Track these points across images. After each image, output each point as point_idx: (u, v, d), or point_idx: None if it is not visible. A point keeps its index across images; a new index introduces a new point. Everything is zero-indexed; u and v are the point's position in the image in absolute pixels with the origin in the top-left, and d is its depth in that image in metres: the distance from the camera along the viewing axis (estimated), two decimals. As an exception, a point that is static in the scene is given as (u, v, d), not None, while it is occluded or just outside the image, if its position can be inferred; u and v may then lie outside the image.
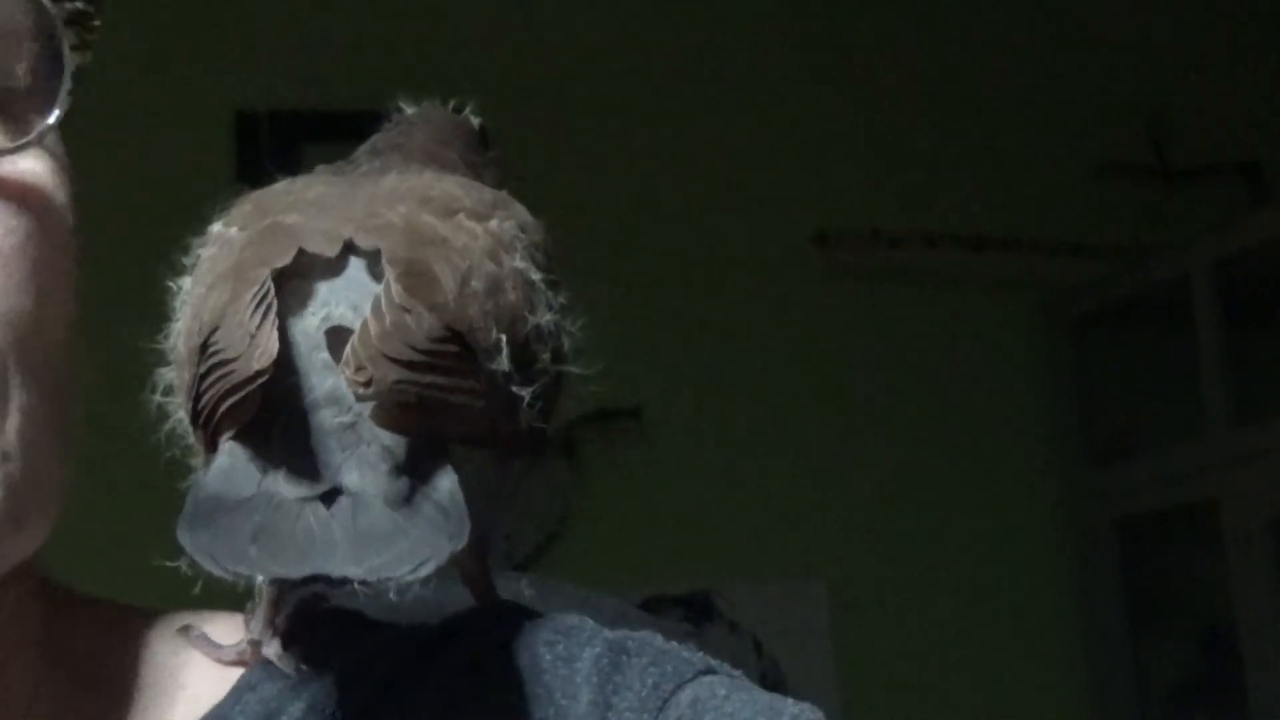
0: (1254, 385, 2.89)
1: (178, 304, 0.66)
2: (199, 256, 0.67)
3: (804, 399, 3.00)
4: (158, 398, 0.66)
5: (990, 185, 3.17)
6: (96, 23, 0.68)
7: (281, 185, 0.68)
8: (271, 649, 0.68)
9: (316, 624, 0.70)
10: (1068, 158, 3.24)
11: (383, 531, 0.56)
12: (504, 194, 0.70)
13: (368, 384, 0.58)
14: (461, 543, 0.57)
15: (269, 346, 0.58)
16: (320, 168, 0.72)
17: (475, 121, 0.77)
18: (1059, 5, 3.30)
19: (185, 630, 0.70)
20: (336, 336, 0.60)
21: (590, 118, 2.98)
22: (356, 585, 0.55)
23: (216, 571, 0.56)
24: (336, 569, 0.55)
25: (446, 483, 0.58)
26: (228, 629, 0.71)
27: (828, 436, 3.00)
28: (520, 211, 0.70)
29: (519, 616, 0.70)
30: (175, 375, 0.65)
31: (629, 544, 2.86)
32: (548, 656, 0.67)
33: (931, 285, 3.11)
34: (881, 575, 2.98)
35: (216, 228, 0.67)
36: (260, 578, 0.56)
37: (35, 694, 0.67)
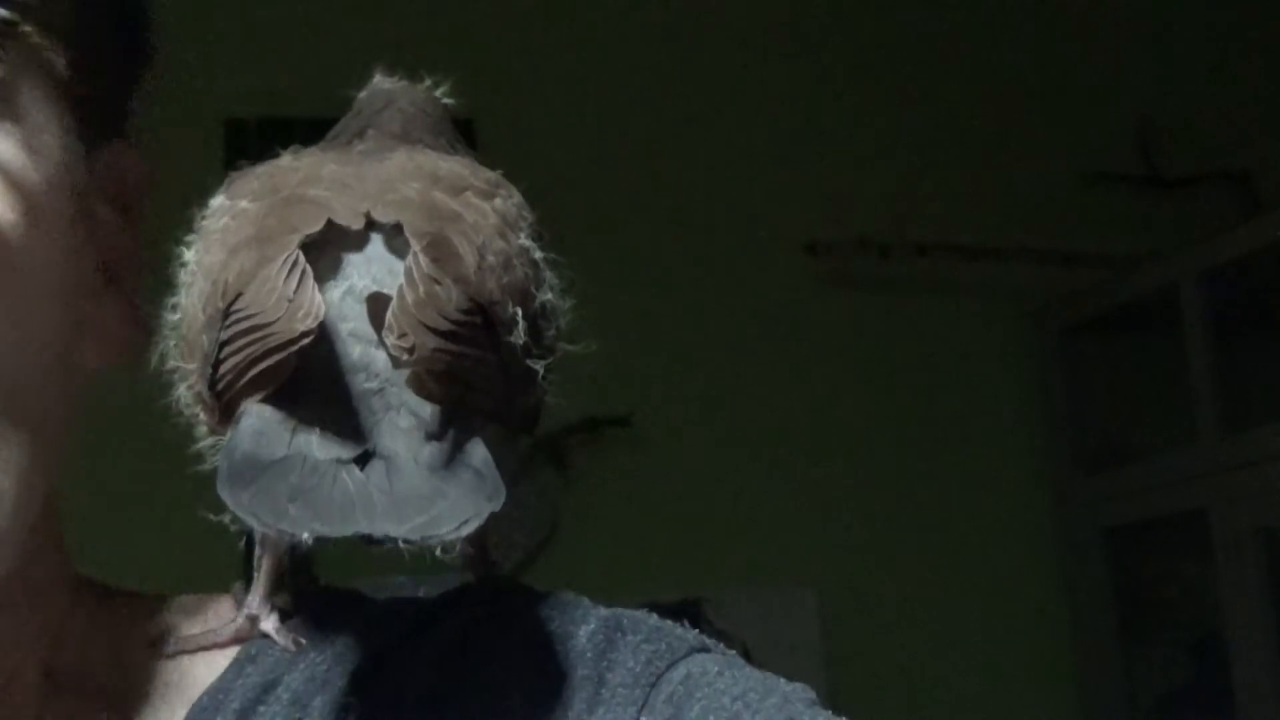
0: (1243, 394, 2.89)
1: (183, 275, 0.66)
2: (205, 227, 0.67)
3: (794, 407, 3.01)
4: (166, 364, 0.65)
5: (980, 195, 3.18)
6: (27, 30, 0.63)
7: (287, 161, 0.68)
8: (269, 623, 0.69)
9: (312, 598, 0.70)
10: (1057, 167, 3.25)
11: (421, 493, 0.57)
12: (500, 175, 0.71)
13: (410, 350, 0.58)
14: (499, 504, 0.57)
15: (314, 307, 0.58)
16: (310, 149, 0.72)
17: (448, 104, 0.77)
18: (1047, 15, 3.31)
19: (158, 644, 0.69)
20: (374, 304, 0.60)
21: (582, 127, 2.99)
22: (401, 544, 0.56)
23: (261, 528, 0.57)
24: (379, 528, 0.56)
25: (478, 447, 0.59)
26: (215, 613, 0.71)
27: (818, 445, 3.01)
28: (515, 191, 0.70)
29: (515, 592, 0.71)
30: (184, 342, 0.65)
31: (619, 552, 2.86)
32: (542, 632, 0.68)
33: (922, 294, 3.12)
34: (871, 583, 2.99)
35: (221, 200, 0.67)
36: (305, 536, 0.56)
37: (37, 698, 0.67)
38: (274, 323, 0.58)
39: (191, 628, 0.70)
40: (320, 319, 0.58)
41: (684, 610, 2.85)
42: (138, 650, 0.70)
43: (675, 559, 2.89)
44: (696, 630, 0.70)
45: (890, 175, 3.14)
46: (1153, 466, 2.97)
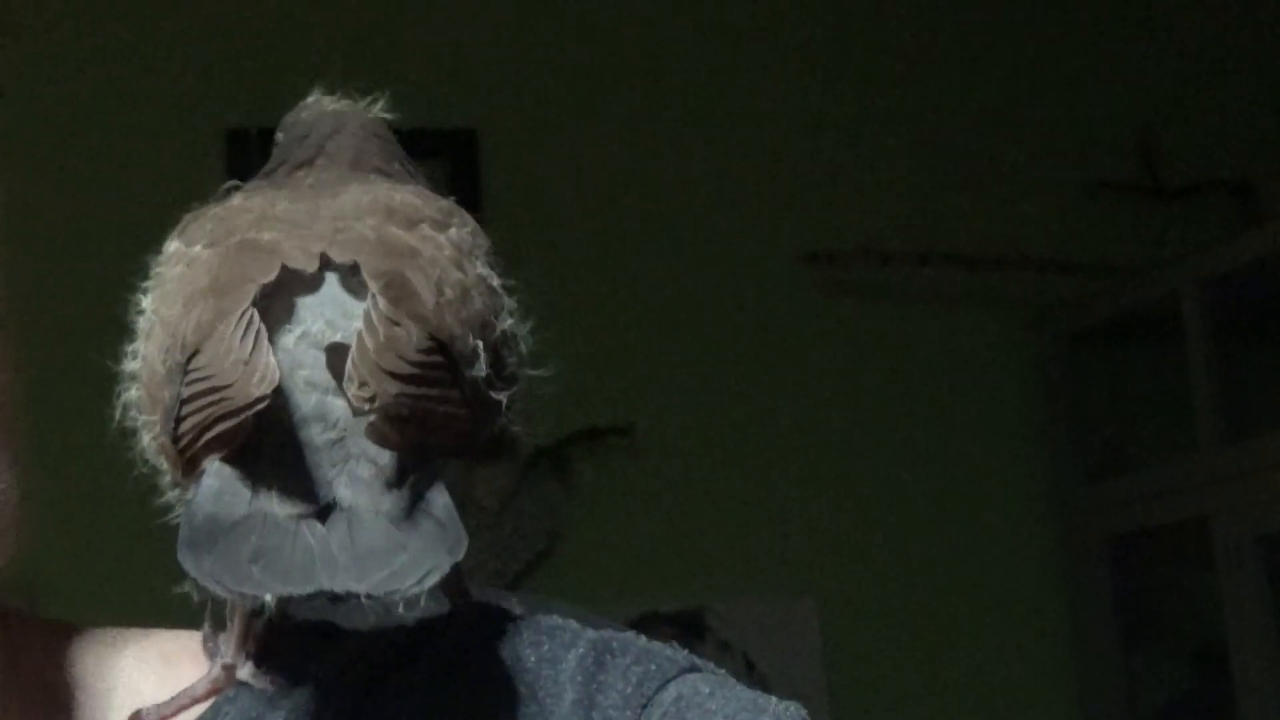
0: (1245, 402, 2.89)
1: (142, 323, 0.66)
2: (161, 274, 0.66)
3: (796, 417, 3.00)
4: (128, 415, 0.65)
5: (982, 203, 3.18)
6: None
7: (238, 201, 0.68)
8: (245, 671, 0.68)
9: (289, 637, 0.70)
10: (1059, 176, 3.24)
11: (382, 546, 0.57)
12: (452, 201, 0.70)
13: (372, 400, 0.58)
14: (460, 554, 0.57)
15: (269, 373, 0.58)
16: (255, 182, 0.71)
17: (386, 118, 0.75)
18: (1050, 24, 3.31)
19: (136, 716, 0.69)
20: (333, 355, 0.60)
21: (584, 137, 2.99)
22: (363, 600, 0.56)
23: (222, 594, 0.57)
24: (341, 585, 0.56)
25: (439, 495, 0.59)
26: (186, 650, 0.71)
27: (820, 454, 3.00)
28: (469, 218, 0.69)
29: (501, 618, 0.71)
30: (144, 393, 0.64)
31: (620, 561, 2.86)
32: (532, 657, 0.68)
33: (924, 303, 3.12)
34: (873, 593, 2.98)
35: (176, 246, 0.66)
36: (267, 597, 0.56)
37: None
38: (229, 386, 0.58)
39: (163, 684, 0.70)
40: (275, 384, 0.58)
41: (686, 620, 2.85)
42: (113, 691, 0.70)
43: (677, 568, 2.88)
44: (687, 650, 0.70)
45: (891, 184, 3.14)
46: (1154, 475, 2.97)
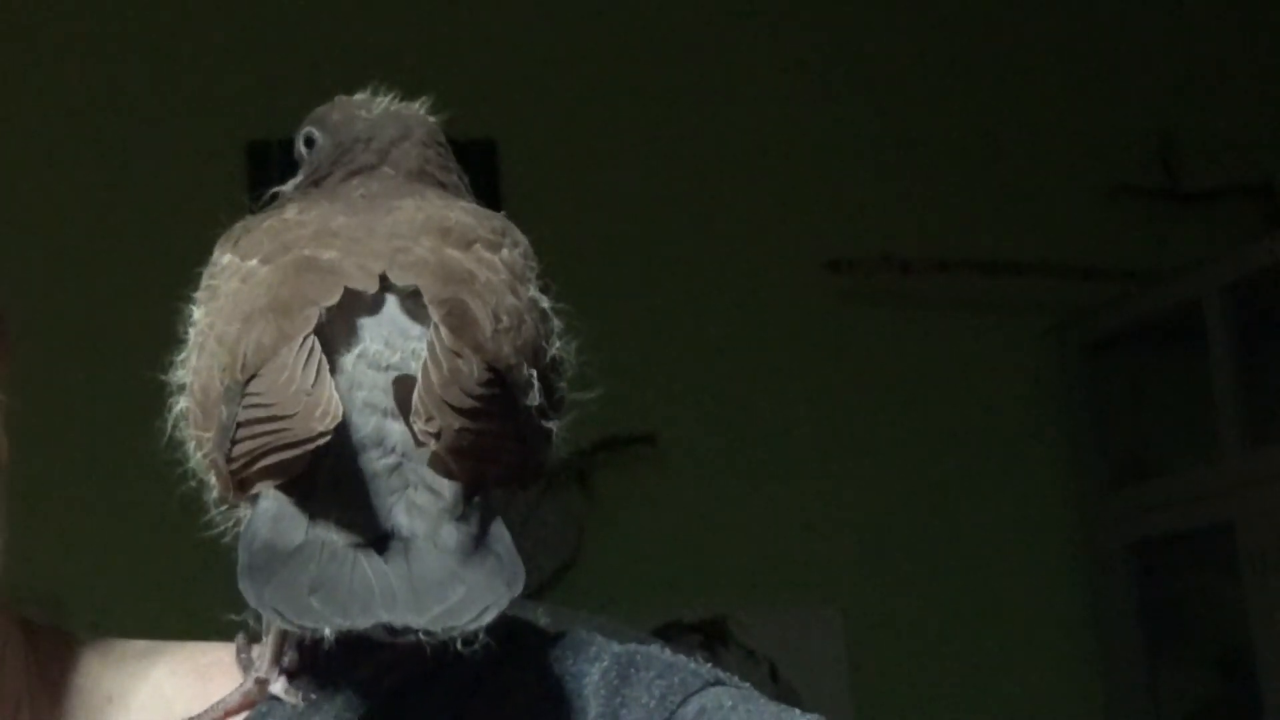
0: (1268, 407, 2.88)
1: (194, 335, 0.65)
2: (214, 287, 0.65)
3: (818, 425, 3.00)
4: (178, 429, 0.65)
5: (1003, 209, 3.17)
6: None
7: (292, 214, 0.67)
8: (279, 686, 0.68)
9: (320, 650, 0.70)
10: (1080, 181, 3.24)
11: (440, 579, 0.57)
12: (503, 217, 0.69)
13: (438, 435, 0.58)
14: (519, 589, 0.57)
15: (332, 408, 0.58)
16: (303, 186, 0.71)
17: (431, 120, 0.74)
18: (1070, 30, 3.30)
19: None
20: (400, 387, 0.60)
21: (605, 147, 2.99)
22: (421, 635, 0.56)
23: (282, 625, 0.56)
24: (400, 619, 0.56)
25: (497, 527, 0.59)
26: (219, 663, 0.71)
27: (842, 462, 3.00)
28: (520, 236, 0.69)
29: (527, 632, 0.71)
30: (195, 407, 0.64)
31: (644, 571, 2.86)
32: (557, 671, 0.68)
33: (945, 310, 3.11)
34: (897, 601, 2.98)
35: (229, 258, 0.66)
36: (326, 630, 0.56)
37: None
38: (291, 416, 0.58)
39: (196, 697, 0.70)
40: (338, 420, 0.57)
41: (710, 629, 2.85)
42: (138, 704, 0.70)
43: (700, 577, 2.88)
44: (711, 663, 0.70)
45: (911, 191, 3.14)
46: (1177, 481, 2.96)
